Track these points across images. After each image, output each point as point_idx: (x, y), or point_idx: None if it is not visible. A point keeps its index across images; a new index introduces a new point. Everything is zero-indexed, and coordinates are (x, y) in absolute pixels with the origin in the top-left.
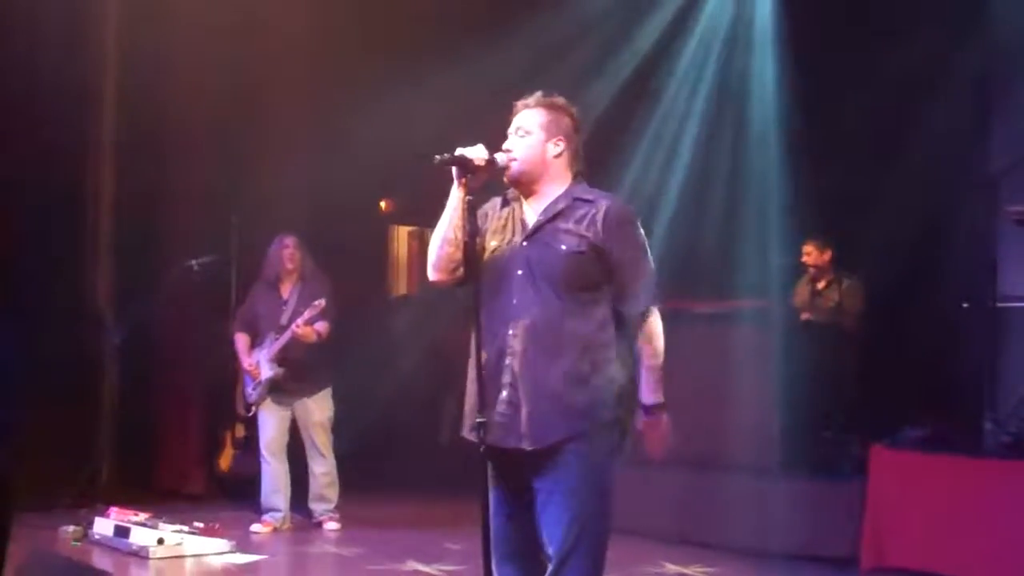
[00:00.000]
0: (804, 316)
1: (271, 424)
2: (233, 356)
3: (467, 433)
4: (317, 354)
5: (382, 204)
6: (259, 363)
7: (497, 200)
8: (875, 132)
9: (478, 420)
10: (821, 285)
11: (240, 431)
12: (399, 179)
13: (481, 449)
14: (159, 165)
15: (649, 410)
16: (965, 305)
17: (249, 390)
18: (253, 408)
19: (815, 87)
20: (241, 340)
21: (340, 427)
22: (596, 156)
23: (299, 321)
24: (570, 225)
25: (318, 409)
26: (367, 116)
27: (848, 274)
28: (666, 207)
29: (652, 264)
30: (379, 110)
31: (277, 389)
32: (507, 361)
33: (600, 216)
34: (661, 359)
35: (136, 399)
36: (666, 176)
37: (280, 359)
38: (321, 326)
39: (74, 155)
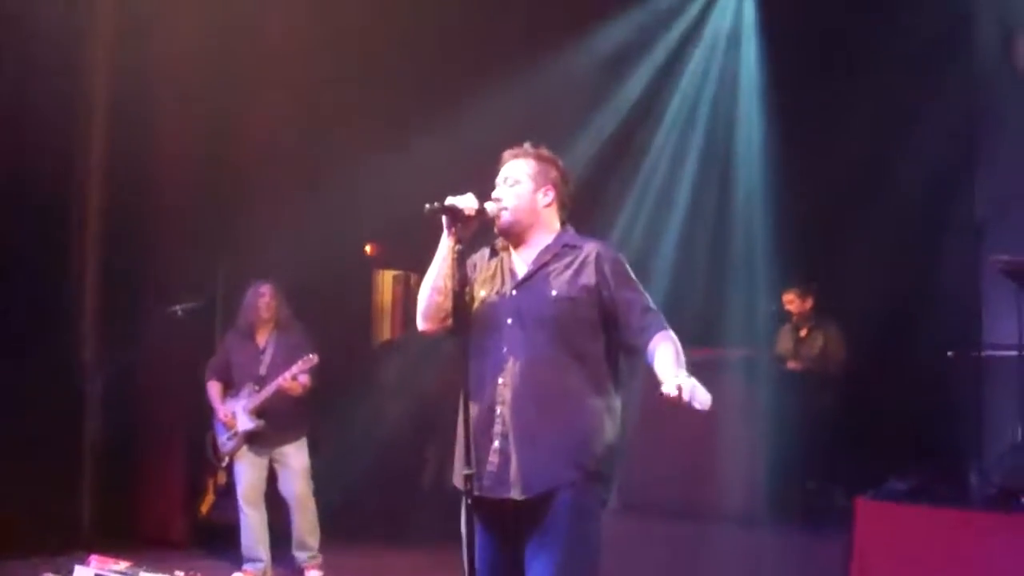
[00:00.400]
0: (790, 365)
1: (248, 473)
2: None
3: (458, 482)
4: (297, 404)
5: (367, 248)
6: (235, 414)
7: (486, 250)
8: (859, 180)
9: (466, 472)
10: (803, 333)
11: (222, 478)
12: (385, 223)
13: (468, 501)
14: (145, 209)
15: (678, 370)
16: (950, 354)
17: (223, 439)
18: (227, 458)
19: (799, 136)
20: (214, 388)
21: (322, 474)
22: (584, 207)
23: (287, 375)
24: (560, 271)
25: (297, 456)
26: (355, 160)
27: (830, 321)
28: (653, 256)
29: (648, 298)
30: (368, 154)
31: (255, 439)
32: (498, 411)
33: (592, 259)
34: (680, 350)
35: (118, 445)
36: (654, 226)
37: (260, 411)
38: (305, 379)
39: (60, 197)
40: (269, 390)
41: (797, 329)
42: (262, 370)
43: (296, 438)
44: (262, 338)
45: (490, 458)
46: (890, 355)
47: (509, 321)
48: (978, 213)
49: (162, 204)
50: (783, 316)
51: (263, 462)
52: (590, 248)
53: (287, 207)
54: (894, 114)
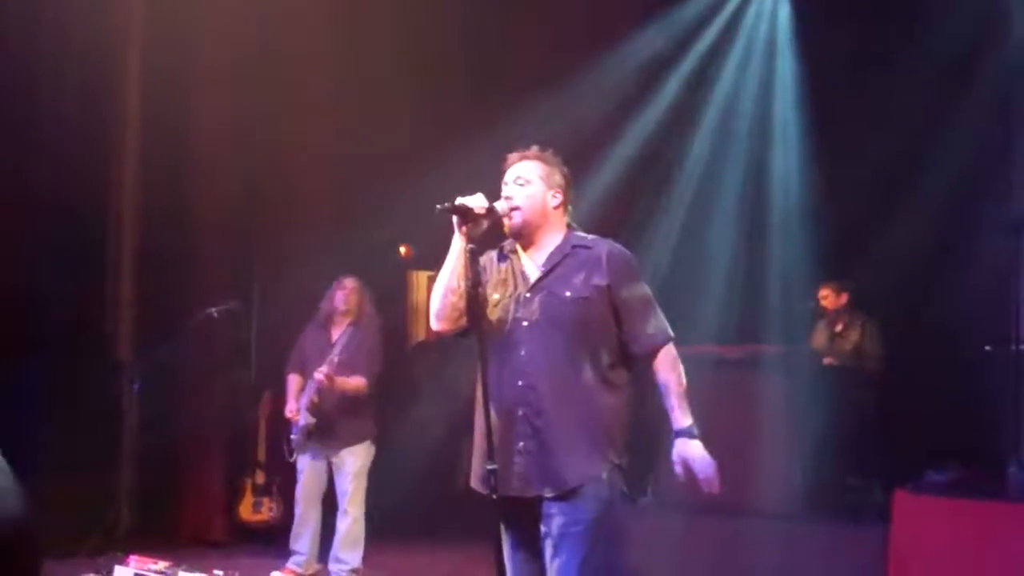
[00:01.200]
0: (827, 360)
1: (306, 473)
2: (258, 402)
3: (477, 484)
4: (352, 405)
5: (402, 249)
6: (300, 408)
7: (493, 253)
8: (894, 177)
9: (488, 467)
10: (839, 328)
11: (261, 478)
12: (419, 224)
13: (494, 497)
14: (181, 210)
15: (684, 432)
16: (988, 348)
17: (292, 435)
18: (294, 453)
19: (835, 134)
20: (292, 382)
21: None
22: (622, 206)
23: (321, 370)
24: (572, 271)
25: (351, 460)
26: (390, 161)
27: (865, 316)
28: (692, 257)
29: (655, 303)
30: (406, 152)
31: (316, 438)
32: (520, 412)
33: (603, 259)
34: (684, 384)
35: (156, 445)
36: (692, 227)
37: (315, 408)
38: (356, 380)
39: (97, 198)
40: (313, 387)
41: (832, 325)
42: (324, 367)
43: (355, 441)
44: (336, 331)
45: (515, 459)
46: (927, 350)
47: (525, 324)
48: (1016, 202)
49: (198, 205)
50: (819, 312)
51: (322, 464)
52: (601, 248)
53: (323, 209)
54: (929, 111)
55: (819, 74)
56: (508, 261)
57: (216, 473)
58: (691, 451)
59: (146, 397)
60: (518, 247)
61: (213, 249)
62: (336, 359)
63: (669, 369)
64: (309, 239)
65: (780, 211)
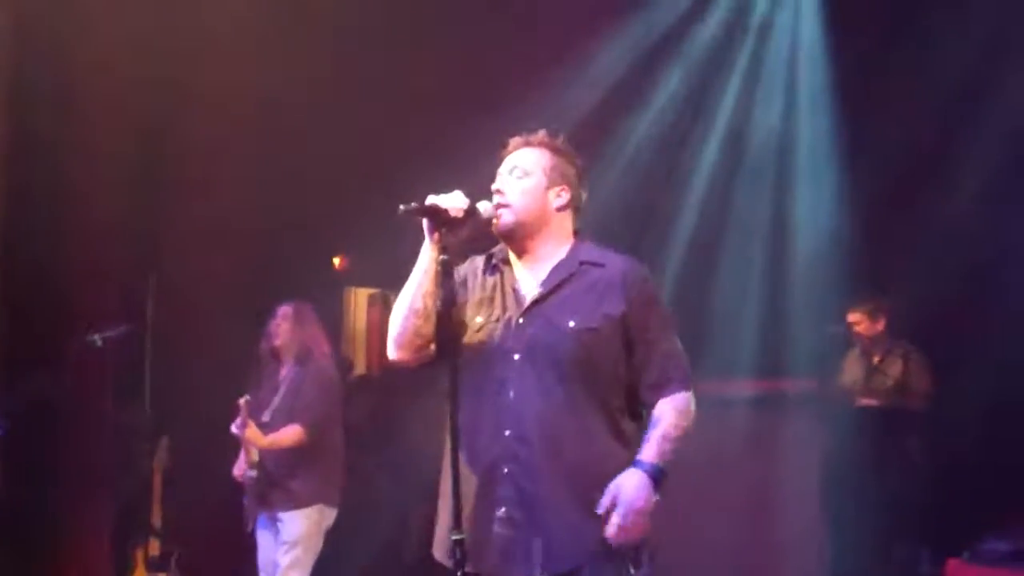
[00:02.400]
0: (862, 400)
1: (262, 544)
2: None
3: (441, 556)
4: (294, 460)
5: (336, 261)
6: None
7: (479, 261)
8: (948, 177)
9: (455, 537)
10: (876, 360)
11: (155, 548)
12: (357, 231)
13: (460, 574)
14: (57, 214)
15: (642, 464)
16: None
17: (245, 499)
18: (250, 523)
19: (865, 139)
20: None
21: None
22: (622, 223)
23: (238, 422)
24: (580, 294)
25: (289, 530)
26: (321, 160)
27: (908, 346)
28: (702, 276)
29: (677, 339)
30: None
31: (263, 499)
32: (505, 470)
33: (619, 282)
34: (681, 433)
35: (25, 506)
36: (702, 242)
37: (253, 463)
38: (289, 431)
39: None
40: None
41: (868, 356)
42: (265, 415)
43: (294, 506)
44: (283, 372)
45: (495, 529)
46: (985, 386)
47: (516, 357)
48: None
49: (79, 205)
50: (851, 340)
51: (275, 530)
52: (616, 267)
53: (238, 212)
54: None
55: (845, 83)
56: (498, 274)
57: (99, 541)
58: (628, 483)
59: (11, 444)
60: (511, 256)
61: (97, 260)
62: (276, 404)
63: (672, 409)
64: (219, 251)
65: (804, 223)
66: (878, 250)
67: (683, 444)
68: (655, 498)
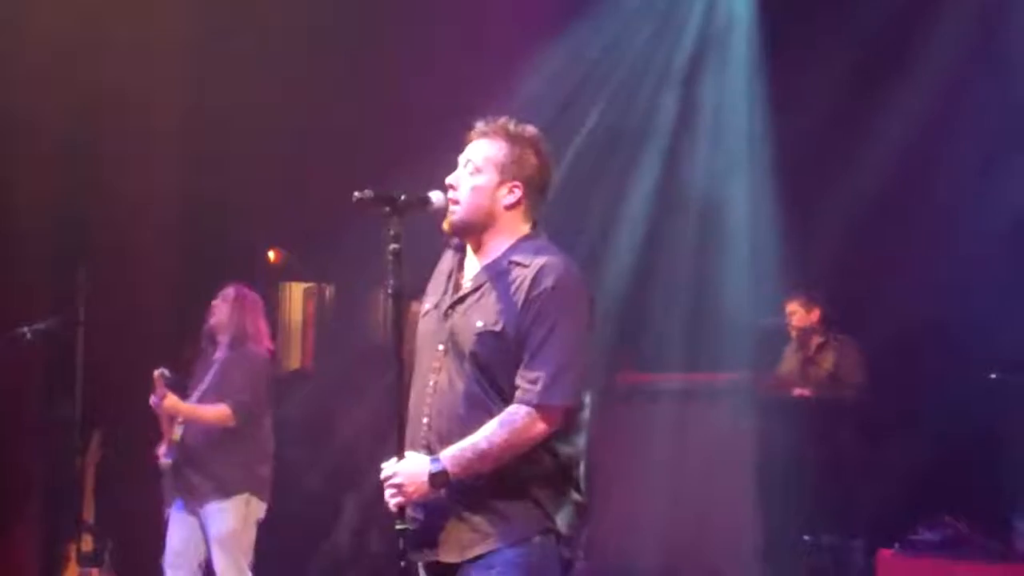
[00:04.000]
0: (796, 391)
1: (173, 531)
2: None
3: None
4: (222, 445)
5: (270, 255)
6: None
7: (450, 251)
8: (884, 167)
9: (398, 527)
10: (811, 351)
11: (88, 544)
12: (293, 225)
13: (402, 563)
14: None
15: (436, 462)
16: (993, 376)
17: (163, 483)
18: (166, 507)
19: (804, 114)
20: None
21: None
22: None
23: (156, 393)
24: (498, 295)
25: (218, 521)
26: (252, 148)
27: (843, 336)
28: (625, 256)
29: (575, 356)
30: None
31: (181, 485)
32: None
33: (527, 283)
34: (494, 449)
35: None
36: (624, 220)
37: (178, 446)
38: (216, 409)
39: None
40: (165, 419)
41: (803, 347)
42: (193, 396)
43: (223, 496)
44: (218, 353)
45: (410, 512)
46: (920, 378)
47: (440, 347)
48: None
49: (5, 193)
50: (787, 332)
51: (192, 520)
52: (533, 268)
53: (172, 202)
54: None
55: (776, 73)
56: (454, 261)
57: (29, 537)
58: (412, 466)
59: None
60: (468, 246)
61: (25, 249)
62: (206, 384)
63: (500, 424)
64: (153, 240)
65: (736, 207)
66: (811, 242)
67: (494, 458)
68: (424, 490)
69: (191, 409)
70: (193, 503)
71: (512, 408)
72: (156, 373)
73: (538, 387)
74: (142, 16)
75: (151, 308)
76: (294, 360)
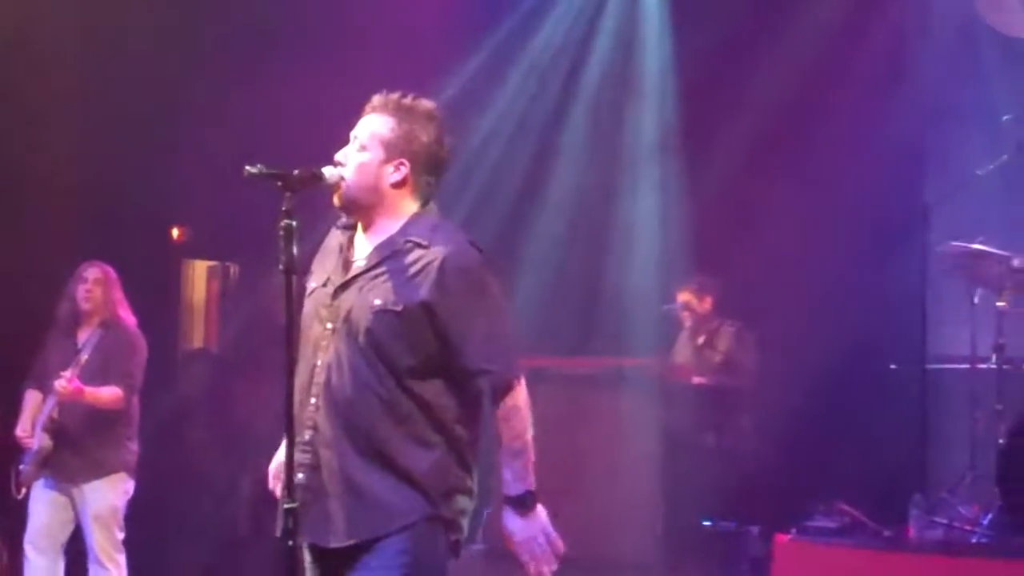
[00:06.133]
0: (695, 380)
1: (40, 511)
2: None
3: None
4: (101, 425)
5: (174, 232)
6: (36, 428)
7: (337, 229)
8: (781, 160)
9: (284, 506)
10: (702, 339)
11: None
12: (196, 201)
13: (288, 542)
14: None
15: (517, 501)
16: (893, 367)
17: (23, 464)
18: (23, 489)
19: (706, 90)
20: (29, 398)
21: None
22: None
23: (65, 375)
24: (395, 274)
25: (95, 498)
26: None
27: (734, 324)
28: (522, 246)
29: (505, 326)
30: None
31: (52, 466)
32: (307, 437)
33: (434, 267)
34: (525, 440)
35: None
36: (524, 209)
37: (53, 427)
38: (109, 391)
39: None
40: (51, 401)
41: (695, 335)
42: (63, 377)
43: (101, 473)
44: (83, 335)
45: (296, 495)
46: (818, 367)
47: (328, 327)
48: (924, 205)
49: None
50: (681, 319)
51: (63, 500)
52: (438, 252)
53: (66, 174)
54: (838, 86)
55: (681, 66)
56: (342, 239)
57: None
58: (514, 527)
59: None
60: (359, 223)
61: None
62: (81, 365)
63: (502, 419)
64: (47, 215)
65: (636, 196)
66: (709, 230)
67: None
68: (541, 514)
69: (93, 392)
70: (65, 483)
71: (508, 394)
72: (78, 360)
73: (503, 356)
74: None
75: (50, 284)
76: (196, 339)
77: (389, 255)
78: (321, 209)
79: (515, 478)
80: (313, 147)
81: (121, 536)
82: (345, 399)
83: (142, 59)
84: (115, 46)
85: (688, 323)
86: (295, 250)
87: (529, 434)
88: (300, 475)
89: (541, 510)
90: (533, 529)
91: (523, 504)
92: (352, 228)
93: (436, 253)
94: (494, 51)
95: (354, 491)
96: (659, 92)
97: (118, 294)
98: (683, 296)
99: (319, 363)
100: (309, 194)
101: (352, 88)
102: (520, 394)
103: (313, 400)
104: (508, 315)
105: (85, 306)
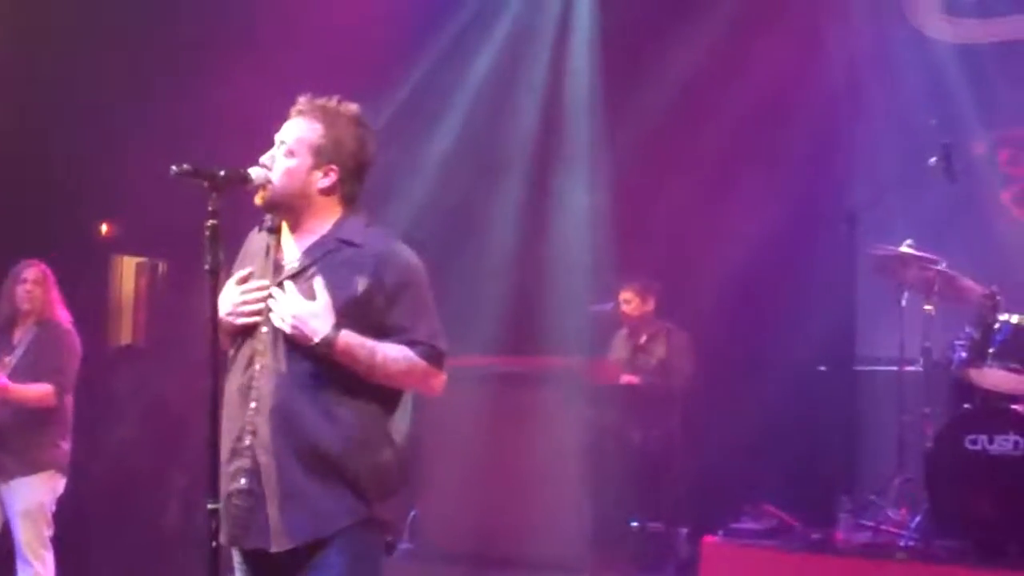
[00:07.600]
0: (625, 379)
1: None
2: None
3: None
4: (32, 422)
5: (102, 228)
6: None
7: (260, 232)
8: (716, 159)
9: (210, 506)
10: (642, 340)
11: None
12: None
13: (213, 544)
14: None
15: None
16: (822, 368)
17: None
18: None
19: (638, 92)
20: None
21: None
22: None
23: None
24: (329, 274)
25: (25, 496)
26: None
27: (675, 327)
28: (450, 241)
29: (435, 317)
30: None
31: None
32: (247, 442)
33: (371, 264)
34: (390, 368)
35: None
36: (454, 210)
37: None
38: (39, 388)
39: None
40: None
41: (635, 335)
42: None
43: (28, 471)
44: (19, 334)
45: (235, 500)
46: (749, 369)
47: (264, 330)
48: (856, 198)
49: None
50: (619, 319)
51: None
52: (373, 251)
53: None
54: (765, 86)
55: (617, 47)
56: (270, 239)
57: None
58: (316, 307)
59: None
60: (284, 224)
61: None
62: (14, 363)
63: (406, 358)
64: None
65: (570, 193)
66: (636, 231)
67: (382, 373)
68: (306, 339)
69: (18, 389)
70: None
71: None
72: (9, 360)
73: (435, 356)
74: None
75: None
76: (124, 335)
77: (321, 256)
78: (248, 210)
79: (359, 342)
80: (245, 147)
81: (49, 533)
82: (283, 402)
83: (71, 55)
84: (43, 42)
85: (627, 323)
86: (220, 250)
87: (390, 370)
88: (242, 480)
89: (310, 343)
90: (307, 319)
91: (331, 331)
92: (276, 231)
93: (370, 251)
94: (430, 55)
95: (293, 495)
96: (588, 94)
97: (55, 293)
98: (625, 296)
99: (257, 366)
100: (238, 194)
101: (284, 89)
102: (432, 373)
103: (253, 404)
104: (435, 310)
105: (25, 306)
